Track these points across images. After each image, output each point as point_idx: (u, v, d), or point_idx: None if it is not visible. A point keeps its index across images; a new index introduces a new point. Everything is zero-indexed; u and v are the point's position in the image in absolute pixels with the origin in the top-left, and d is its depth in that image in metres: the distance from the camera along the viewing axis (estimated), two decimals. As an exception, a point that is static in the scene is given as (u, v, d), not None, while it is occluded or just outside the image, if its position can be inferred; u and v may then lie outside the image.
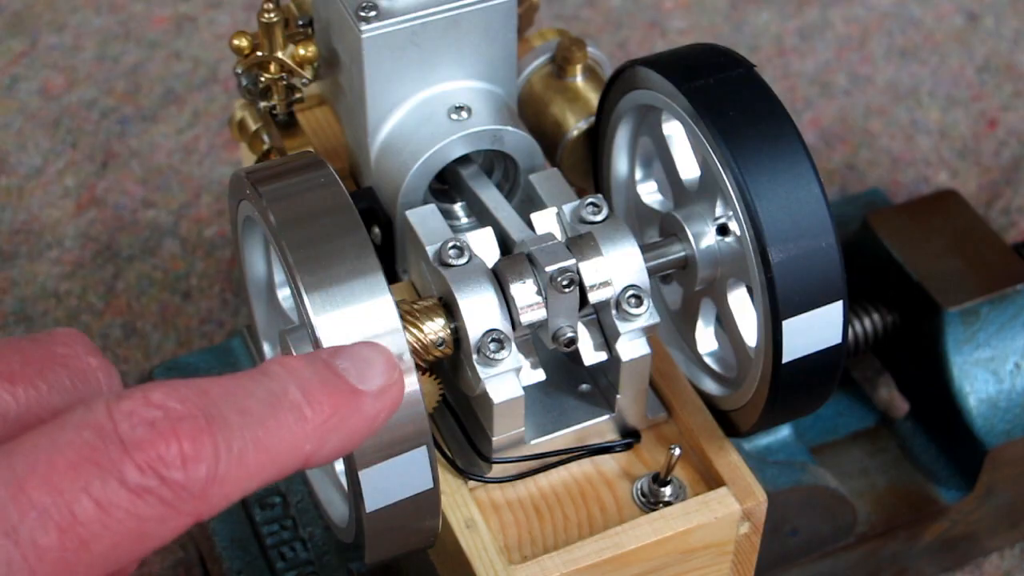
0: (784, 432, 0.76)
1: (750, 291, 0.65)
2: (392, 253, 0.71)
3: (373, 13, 0.66)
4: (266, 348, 0.68)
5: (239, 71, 0.72)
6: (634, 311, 0.62)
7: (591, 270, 0.62)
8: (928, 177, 1.04)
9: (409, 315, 0.61)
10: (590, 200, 0.64)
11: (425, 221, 0.65)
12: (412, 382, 0.54)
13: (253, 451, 0.43)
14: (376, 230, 0.70)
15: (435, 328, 0.61)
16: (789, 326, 0.60)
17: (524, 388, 0.62)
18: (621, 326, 0.63)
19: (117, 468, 0.41)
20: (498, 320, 0.61)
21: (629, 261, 0.63)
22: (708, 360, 0.69)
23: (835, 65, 1.12)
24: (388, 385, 0.48)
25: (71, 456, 0.41)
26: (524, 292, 0.61)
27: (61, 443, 0.41)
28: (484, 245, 0.64)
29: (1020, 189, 1.03)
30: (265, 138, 0.73)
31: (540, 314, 0.62)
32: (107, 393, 0.44)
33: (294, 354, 0.60)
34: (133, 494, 0.41)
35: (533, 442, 0.65)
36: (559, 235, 0.65)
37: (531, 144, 0.70)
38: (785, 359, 0.60)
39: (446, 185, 0.72)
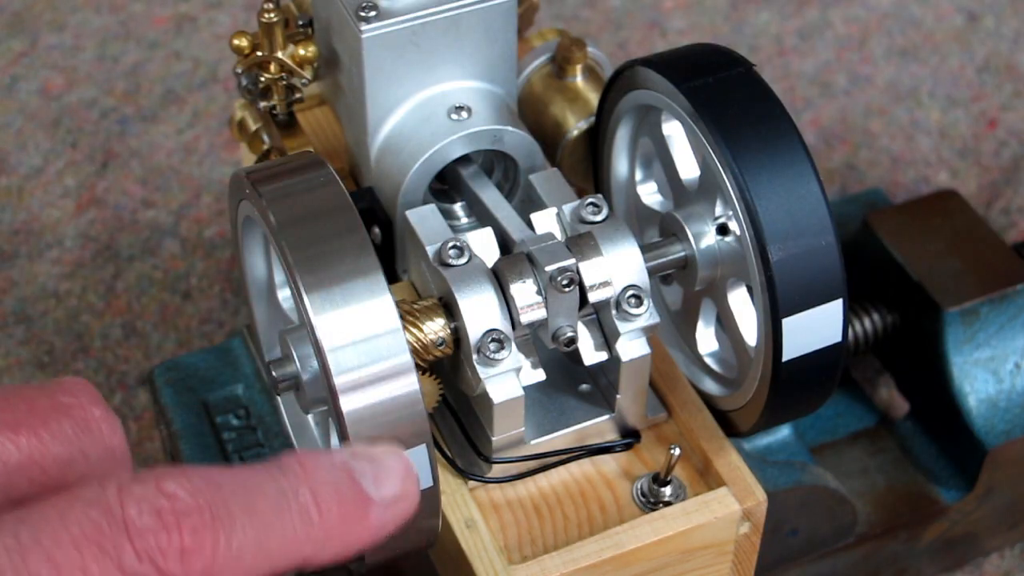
0: (784, 432, 0.75)
1: (750, 291, 0.65)
2: (392, 253, 0.71)
3: (373, 13, 0.66)
4: (266, 349, 0.68)
5: (239, 71, 0.72)
6: (634, 311, 0.62)
7: (591, 270, 0.62)
8: (928, 177, 1.04)
9: (409, 315, 0.61)
10: (590, 200, 0.64)
11: (425, 221, 0.65)
12: (412, 380, 0.54)
13: (251, 551, 0.43)
14: (376, 230, 0.70)
15: (435, 328, 0.61)
16: (789, 324, 0.60)
17: (524, 388, 0.62)
18: (621, 326, 0.63)
19: (117, 552, 0.41)
20: (498, 320, 0.61)
21: (629, 261, 0.63)
22: (708, 360, 0.69)
23: (835, 65, 1.12)
24: (401, 496, 0.47)
25: (76, 533, 0.41)
26: (524, 292, 0.61)
27: (69, 519, 0.41)
28: (484, 245, 0.64)
29: (1020, 189, 1.03)
30: (265, 138, 0.73)
31: (540, 314, 0.62)
32: (121, 474, 0.44)
33: (294, 355, 0.60)
34: None
35: (533, 442, 0.65)
36: (559, 235, 0.65)
37: (531, 144, 0.70)
38: (785, 357, 0.60)
39: (446, 185, 0.72)
